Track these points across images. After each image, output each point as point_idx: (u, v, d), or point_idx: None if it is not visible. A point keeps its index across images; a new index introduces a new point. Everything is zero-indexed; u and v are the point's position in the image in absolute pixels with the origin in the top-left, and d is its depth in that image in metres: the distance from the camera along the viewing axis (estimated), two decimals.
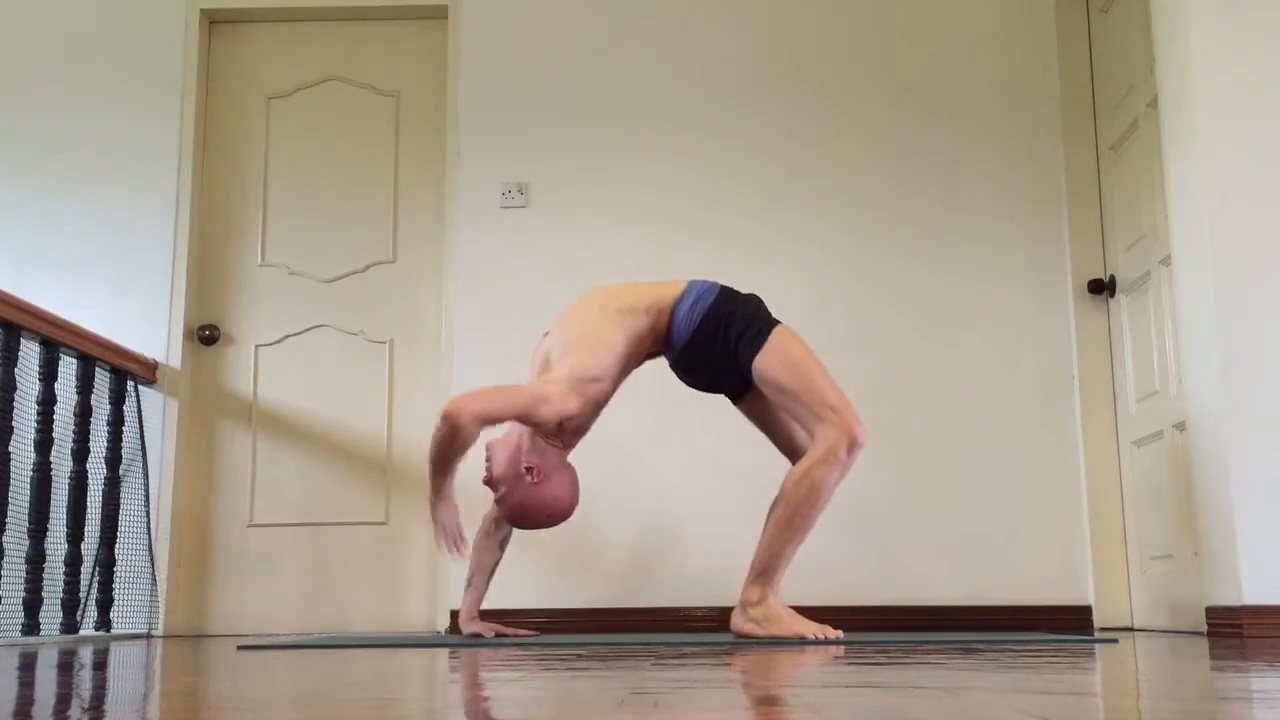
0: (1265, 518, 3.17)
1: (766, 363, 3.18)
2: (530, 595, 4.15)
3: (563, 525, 4.15)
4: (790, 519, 3.12)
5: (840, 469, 3.11)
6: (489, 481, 3.23)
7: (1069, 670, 1.98)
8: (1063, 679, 1.79)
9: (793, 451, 3.41)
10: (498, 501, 3.25)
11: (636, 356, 3.29)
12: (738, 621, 3.19)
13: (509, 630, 3.54)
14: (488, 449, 3.25)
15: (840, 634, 3.24)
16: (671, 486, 4.26)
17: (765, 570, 3.15)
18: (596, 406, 3.21)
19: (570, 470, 3.26)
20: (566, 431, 3.25)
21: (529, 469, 3.15)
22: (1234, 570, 3.17)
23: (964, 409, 4.26)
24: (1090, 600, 4.13)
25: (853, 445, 3.11)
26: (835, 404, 3.14)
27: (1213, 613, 3.28)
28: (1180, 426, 3.61)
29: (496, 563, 3.51)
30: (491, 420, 3.08)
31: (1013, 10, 4.47)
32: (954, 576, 4.16)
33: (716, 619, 4.08)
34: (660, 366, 3.48)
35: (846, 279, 4.34)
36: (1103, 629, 4.06)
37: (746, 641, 3.08)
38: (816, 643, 3.04)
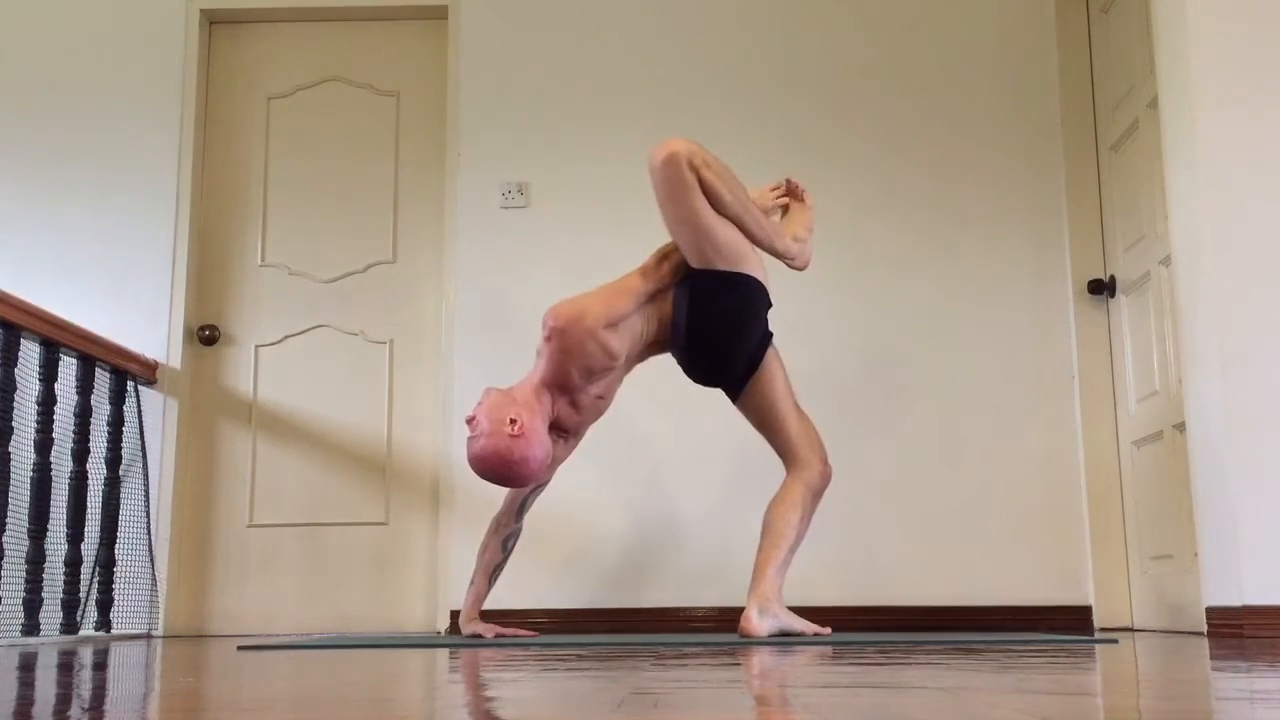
0: (1265, 518, 3.16)
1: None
2: (530, 595, 4.15)
3: (564, 525, 4.16)
4: None
5: None
6: (470, 420, 3.18)
7: (1069, 670, 1.98)
8: (1063, 679, 1.79)
9: (787, 451, 3.41)
10: (470, 441, 3.14)
11: (640, 348, 3.30)
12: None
13: (509, 630, 3.54)
14: (484, 393, 3.22)
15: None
16: (672, 487, 4.26)
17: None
18: (614, 354, 3.20)
19: (549, 445, 3.22)
20: (582, 406, 3.25)
21: (513, 420, 3.11)
22: (1234, 570, 3.17)
23: (964, 409, 4.26)
24: (1090, 600, 4.13)
25: None
26: None
27: (1213, 613, 3.28)
28: (1180, 426, 3.61)
29: (500, 563, 3.50)
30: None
31: (1013, 10, 4.47)
32: (954, 577, 4.16)
33: (717, 619, 4.08)
34: (660, 369, 3.48)
35: (847, 279, 4.34)
36: (1102, 629, 4.06)
37: (747, 642, 3.08)
38: (816, 642, 3.04)
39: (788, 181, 3.66)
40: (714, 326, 3.29)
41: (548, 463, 3.23)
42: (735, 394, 3.43)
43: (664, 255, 3.34)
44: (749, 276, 3.30)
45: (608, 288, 3.24)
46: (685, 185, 3.16)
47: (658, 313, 3.30)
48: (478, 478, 3.29)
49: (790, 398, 3.43)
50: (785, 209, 3.64)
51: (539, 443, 3.14)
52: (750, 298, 3.31)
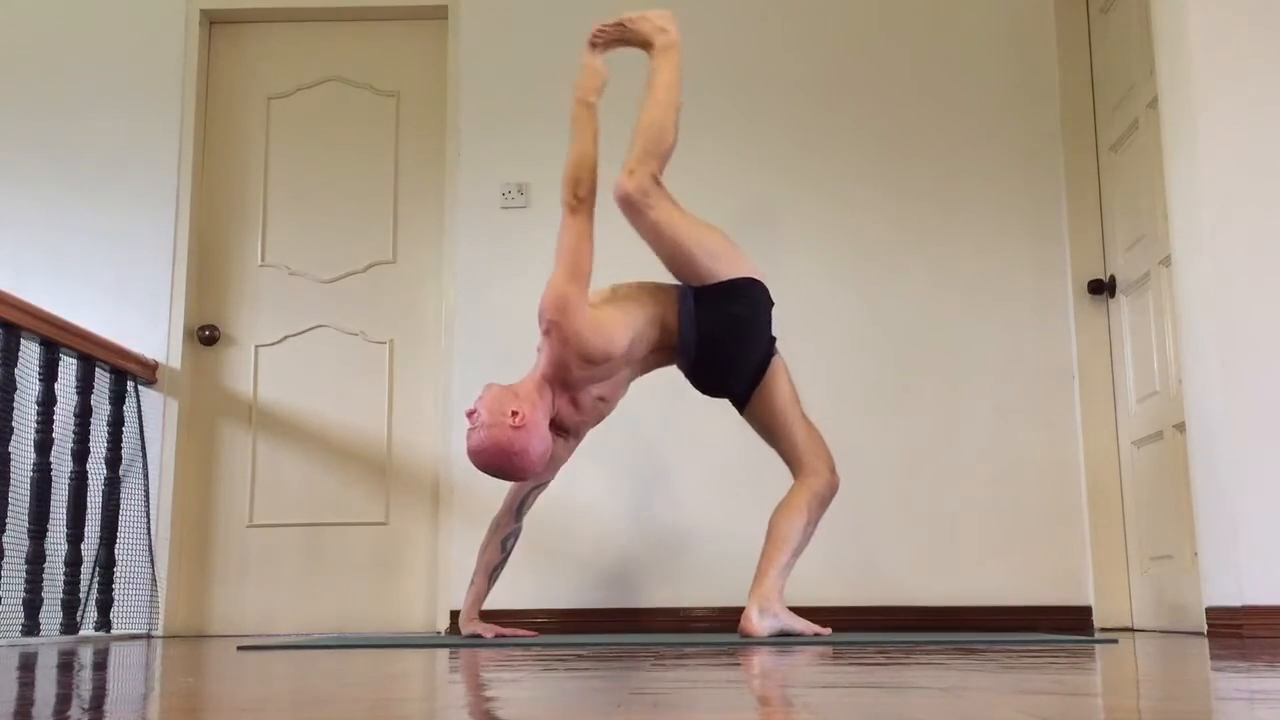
0: (1265, 518, 3.16)
1: None
2: (530, 595, 4.15)
3: (564, 525, 4.16)
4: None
5: None
6: (471, 413, 3.17)
7: (1069, 670, 1.98)
8: (1063, 679, 1.79)
9: (795, 459, 3.41)
10: (470, 433, 3.13)
11: (643, 353, 3.30)
12: None
13: (508, 630, 3.54)
14: (485, 388, 3.22)
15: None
16: (672, 487, 4.25)
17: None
18: (614, 362, 3.20)
19: (549, 439, 3.21)
20: (582, 406, 3.25)
21: (514, 412, 3.11)
22: (1234, 570, 3.17)
23: (964, 409, 4.26)
24: (1090, 600, 4.13)
25: None
26: None
27: (1213, 613, 3.28)
28: (1180, 426, 3.61)
29: (500, 563, 3.50)
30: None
31: (1013, 10, 4.47)
32: (953, 577, 4.16)
33: (717, 619, 4.08)
34: (664, 369, 3.47)
35: (846, 280, 4.34)
36: (1102, 629, 4.06)
37: (747, 642, 3.08)
38: (816, 642, 3.04)
39: (594, 34, 3.47)
40: (722, 337, 3.28)
41: (547, 457, 3.21)
42: (741, 403, 3.43)
43: (573, 185, 3.34)
44: (752, 281, 3.30)
45: (560, 256, 3.23)
46: (656, 209, 3.28)
47: (661, 318, 3.28)
48: (477, 478, 3.30)
49: (797, 406, 3.43)
50: (638, 46, 3.50)
51: (539, 436, 3.13)
52: (756, 303, 3.31)
